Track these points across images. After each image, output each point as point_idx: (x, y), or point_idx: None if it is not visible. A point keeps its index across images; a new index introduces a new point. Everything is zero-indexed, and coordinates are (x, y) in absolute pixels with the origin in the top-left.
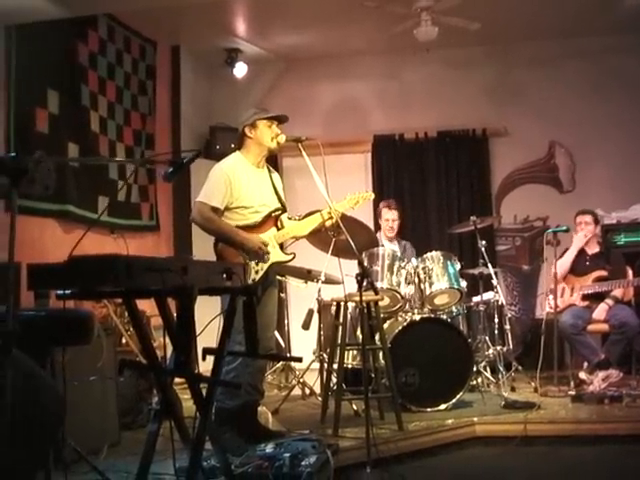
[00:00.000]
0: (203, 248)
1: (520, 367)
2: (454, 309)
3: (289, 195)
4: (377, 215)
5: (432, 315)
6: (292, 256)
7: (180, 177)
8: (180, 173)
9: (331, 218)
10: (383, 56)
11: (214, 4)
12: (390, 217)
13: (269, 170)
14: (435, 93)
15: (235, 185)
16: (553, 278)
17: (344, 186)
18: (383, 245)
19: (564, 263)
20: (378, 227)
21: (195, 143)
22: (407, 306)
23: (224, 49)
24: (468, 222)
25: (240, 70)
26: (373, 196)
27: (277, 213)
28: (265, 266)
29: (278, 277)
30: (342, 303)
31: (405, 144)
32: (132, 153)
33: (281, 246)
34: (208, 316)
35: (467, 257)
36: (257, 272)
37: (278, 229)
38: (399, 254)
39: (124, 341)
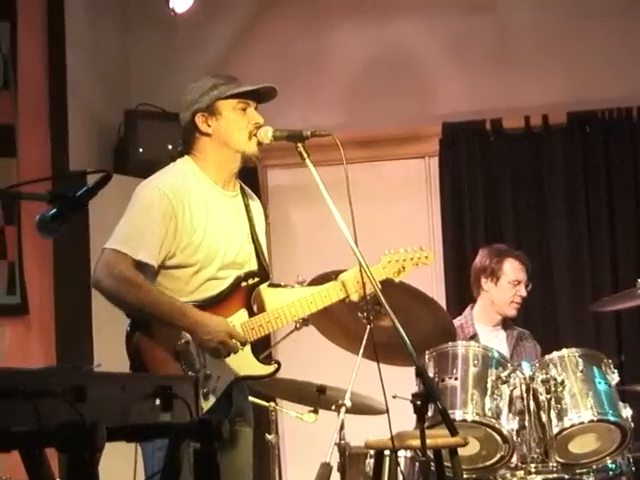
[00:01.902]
0: (112, 347)
1: None
2: (610, 463)
3: (279, 240)
4: (484, 272)
5: (566, 476)
6: (274, 368)
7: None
8: (72, 218)
9: (363, 289)
10: None
11: None
12: (523, 279)
13: (244, 195)
14: (560, 42)
15: (185, 221)
16: None
17: (387, 221)
18: (474, 335)
19: None
20: (460, 302)
21: (96, 142)
22: (515, 457)
23: None
24: (633, 290)
25: (181, 1)
26: (433, 260)
27: (252, 282)
28: (221, 385)
29: (260, 402)
30: (387, 452)
31: (505, 138)
32: None
33: (261, 344)
34: None
35: (634, 361)
36: (206, 395)
37: (252, 313)
38: (496, 355)
39: None
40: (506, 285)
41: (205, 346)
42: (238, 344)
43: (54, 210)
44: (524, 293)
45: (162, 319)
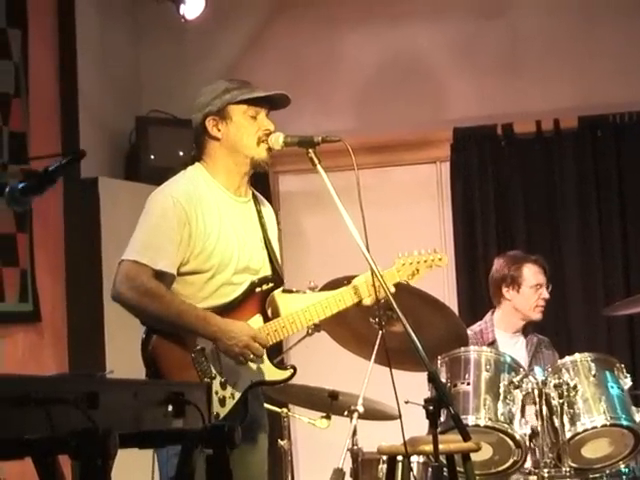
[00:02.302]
0: (125, 354)
1: None
2: (623, 468)
3: (291, 247)
4: (504, 281)
5: None
6: (290, 373)
7: (81, 219)
8: (42, 191)
9: (375, 293)
10: None
11: None
12: (543, 282)
13: (256, 201)
14: (570, 46)
15: (198, 228)
16: None
17: (398, 227)
18: (494, 341)
19: None
20: (472, 308)
21: (108, 149)
22: (528, 462)
23: None
24: None
25: (192, 8)
26: (447, 262)
27: (266, 287)
28: (238, 391)
29: (272, 408)
30: (399, 458)
31: (516, 143)
32: None
33: (273, 350)
34: None
35: None
36: (223, 400)
37: (267, 318)
38: (508, 359)
39: None
40: (528, 291)
41: (230, 351)
42: (262, 349)
43: (24, 183)
44: (547, 295)
45: (185, 328)
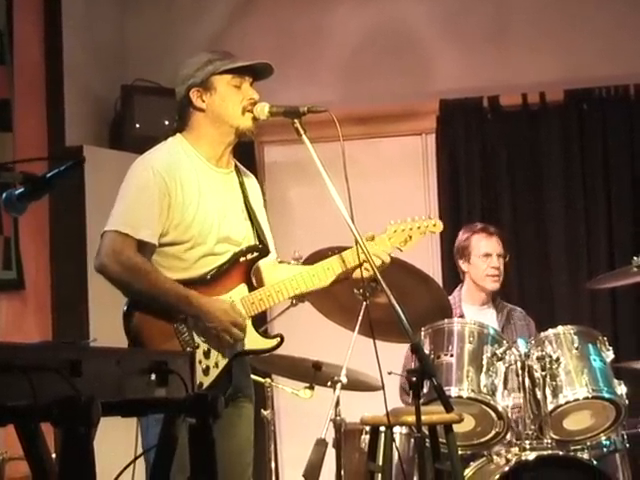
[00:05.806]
0: (109, 322)
1: None
2: (604, 440)
3: (276, 217)
4: (458, 253)
5: (560, 452)
6: (277, 342)
7: (65, 187)
8: (39, 197)
9: (361, 265)
10: None
11: None
12: (493, 251)
13: (239, 173)
14: (557, 19)
15: (177, 198)
16: None
17: (383, 199)
18: (461, 316)
19: None
20: (457, 280)
21: (93, 117)
22: (510, 434)
23: None
24: (629, 268)
25: None
26: (441, 228)
27: (251, 257)
28: (222, 360)
29: (255, 378)
30: (382, 429)
31: (502, 115)
32: None
33: (258, 320)
34: (122, 457)
35: (628, 338)
36: (207, 370)
37: (252, 287)
38: (492, 331)
39: None
40: (477, 260)
41: (209, 333)
42: (241, 334)
43: (21, 190)
44: (496, 264)
45: (167, 306)
